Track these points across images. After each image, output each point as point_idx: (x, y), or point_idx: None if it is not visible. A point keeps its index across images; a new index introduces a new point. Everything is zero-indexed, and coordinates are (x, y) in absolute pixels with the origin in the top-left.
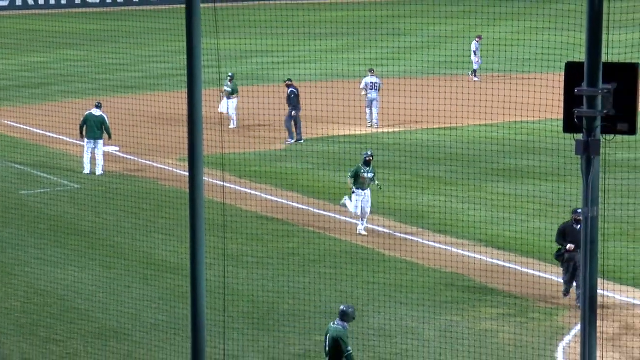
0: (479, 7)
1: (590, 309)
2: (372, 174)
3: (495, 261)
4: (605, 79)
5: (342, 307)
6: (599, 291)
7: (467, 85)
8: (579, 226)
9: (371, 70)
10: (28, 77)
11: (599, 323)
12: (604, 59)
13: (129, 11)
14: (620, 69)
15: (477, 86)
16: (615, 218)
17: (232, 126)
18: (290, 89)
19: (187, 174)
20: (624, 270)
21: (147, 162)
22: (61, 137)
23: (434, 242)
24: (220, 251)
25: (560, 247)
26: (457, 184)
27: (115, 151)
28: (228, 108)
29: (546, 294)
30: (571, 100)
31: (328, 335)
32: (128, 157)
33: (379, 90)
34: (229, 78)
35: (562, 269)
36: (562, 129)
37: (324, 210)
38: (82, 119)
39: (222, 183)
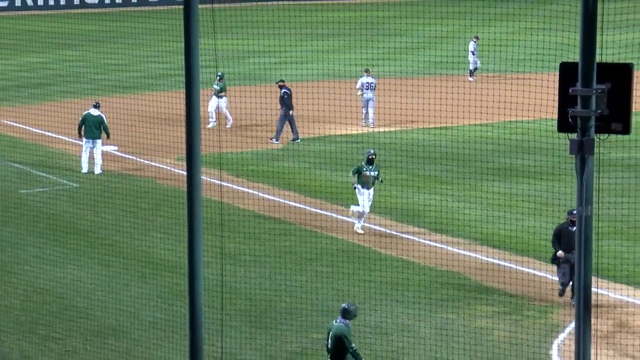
0: (474, 8)
1: (584, 307)
2: (376, 172)
3: (490, 259)
4: (599, 79)
5: (343, 305)
6: (593, 289)
7: (463, 85)
8: (574, 228)
9: (367, 71)
10: (27, 77)
11: (593, 321)
12: (598, 59)
13: (127, 12)
14: (614, 69)
15: (472, 86)
16: (609, 217)
17: (228, 126)
18: (283, 90)
19: (185, 173)
20: (617, 268)
21: (146, 162)
22: (60, 137)
23: (430, 240)
24: (218, 249)
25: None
26: (452, 183)
27: (114, 150)
28: (219, 107)
29: (541, 292)
30: (565, 100)
31: (330, 333)
32: (126, 156)
33: (374, 89)
34: (218, 77)
35: (557, 269)
36: (556, 128)
37: (321, 209)
38: (80, 118)
39: (219, 182)
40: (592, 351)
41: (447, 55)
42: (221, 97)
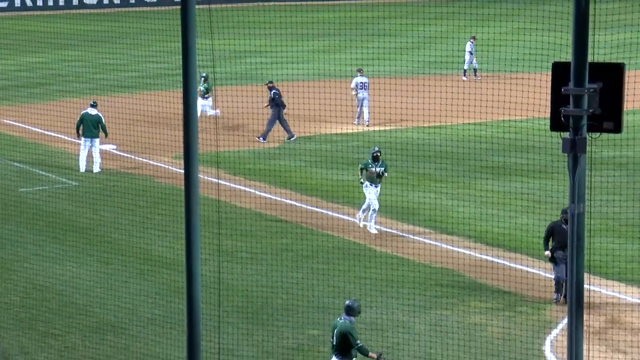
0: (468, 9)
1: (576, 303)
2: (383, 168)
3: (484, 256)
4: (591, 78)
5: (347, 302)
6: (585, 286)
7: (457, 85)
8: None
9: (359, 70)
10: (27, 77)
11: (585, 317)
12: (590, 59)
13: (125, 12)
14: (606, 68)
15: (466, 85)
16: (601, 214)
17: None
18: (273, 91)
19: (182, 171)
20: (609, 265)
21: (144, 160)
22: (59, 136)
23: (424, 238)
24: (215, 247)
25: (551, 248)
26: (446, 181)
27: (113, 149)
28: (205, 108)
29: (534, 288)
30: (558, 100)
31: (335, 330)
32: (125, 155)
33: (367, 89)
34: (202, 78)
35: (553, 269)
36: (549, 127)
37: (317, 207)
38: (78, 118)
39: (216, 180)
40: (585, 347)
41: (441, 56)
42: (207, 98)
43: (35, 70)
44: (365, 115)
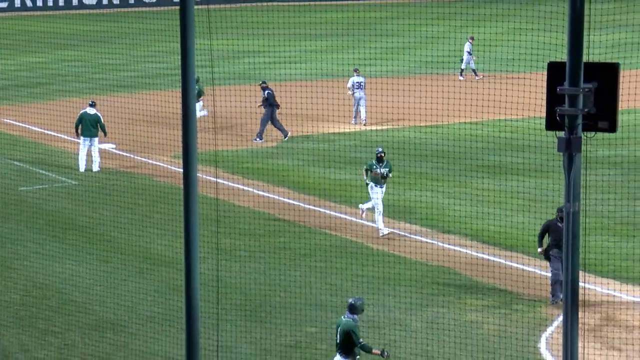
0: (464, 9)
1: (572, 301)
2: (387, 169)
3: (480, 255)
4: (586, 78)
5: (350, 300)
6: (581, 284)
7: (453, 85)
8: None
9: (356, 70)
10: (27, 77)
11: (580, 314)
12: (585, 59)
13: (124, 12)
14: (601, 68)
15: (462, 85)
16: (596, 213)
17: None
18: (267, 91)
19: (181, 170)
20: (604, 263)
21: (143, 159)
22: (59, 135)
23: (421, 236)
24: (214, 245)
25: (547, 246)
26: (443, 180)
27: (112, 148)
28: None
29: (530, 286)
30: (553, 99)
31: (339, 328)
32: (124, 154)
33: (364, 88)
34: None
35: (550, 266)
36: (544, 126)
37: (314, 206)
38: (77, 118)
39: (215, 179)
40: (580, 344)
41: (437, 55)
42: (198, 101)
43: (35, 70)
44: (363, 114)
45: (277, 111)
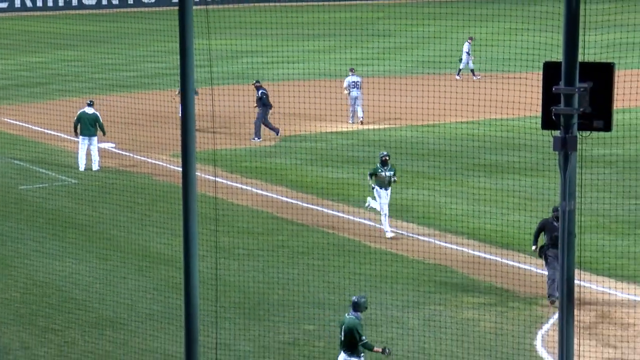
0: (460, 9)
1: (567, 299)
2: (392, 172)
3: (476, 253)
4: (581, 78)
5: (353, 298)
6: (576, 282)
7: (450, 84)
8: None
9: (352, 70)
10: (27, 77)
11: (576, 312)
12: (580, 58)
13: (124, 13)
14: (596, 68)
15: (459, 85)
16: (592, 211)
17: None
18: (261, 91)
19: (180, 169)
20: (599, 261)
21: (142, 158)
22: (59, 134)
23: (418, 234)
24: (213, 244)
25: (542, 244)
26: (440, 178)
27: (111, 147)
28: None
29: (526, 284)
30: (549, 99)
31: (343, 326)
32: (123, 153)
33: (360, 88)
34: None
35: (546, 266)
36: (540, 125)
37: (312, 204)
38: (75, 117)
39: (214, 178)
40: (575, 342)
41: (434, 55)
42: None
43: (35, 69)
44: (360, 113)
45: (270, 112)
